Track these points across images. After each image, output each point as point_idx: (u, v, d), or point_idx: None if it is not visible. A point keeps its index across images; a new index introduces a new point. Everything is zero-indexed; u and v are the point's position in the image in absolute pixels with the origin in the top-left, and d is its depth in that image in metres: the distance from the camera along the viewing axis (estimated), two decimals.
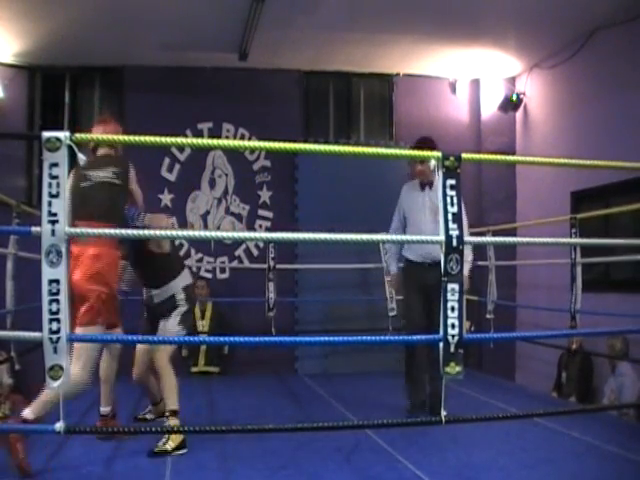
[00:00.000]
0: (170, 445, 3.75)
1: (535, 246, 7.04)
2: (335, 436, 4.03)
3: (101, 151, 3.96)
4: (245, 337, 2.78)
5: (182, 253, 7.45)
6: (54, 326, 2.15)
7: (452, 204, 2.38)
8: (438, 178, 3.63)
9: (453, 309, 2.45)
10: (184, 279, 4.18)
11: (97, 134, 3.69)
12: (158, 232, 3.33)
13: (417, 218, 4.80)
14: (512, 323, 7.48)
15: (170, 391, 3.92)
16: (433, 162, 3.89)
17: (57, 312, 2.15)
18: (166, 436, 3.77)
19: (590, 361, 6.25)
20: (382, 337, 3.08)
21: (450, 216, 2.39)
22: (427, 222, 4.72)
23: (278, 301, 6.90)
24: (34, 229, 2.26)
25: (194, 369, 6.90)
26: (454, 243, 2.39)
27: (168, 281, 4.11)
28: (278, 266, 6.93)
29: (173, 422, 3.81)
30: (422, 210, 4.78)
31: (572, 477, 3.53)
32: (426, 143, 4.69)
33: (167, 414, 3.88)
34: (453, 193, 2.38)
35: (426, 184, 4.85)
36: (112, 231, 2.74)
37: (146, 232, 3.27)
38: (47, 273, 2.18)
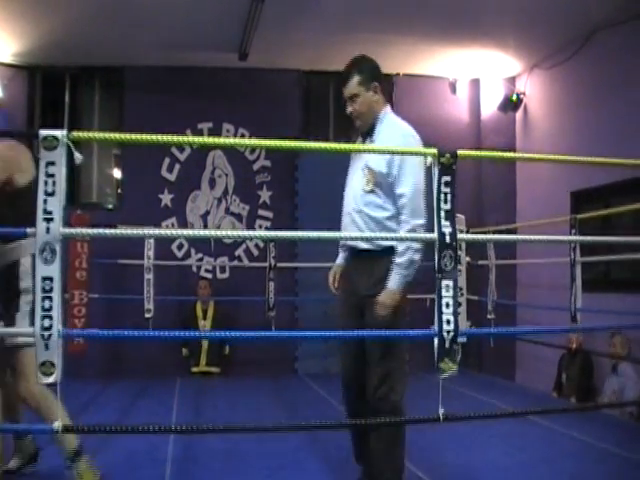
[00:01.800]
0: None
1: (535, 245, 7.05)
2: (335, 436, 4.03)
3: None
4: (244, 332, 2.78)
5: (182, 253, 7.46)
6: (46, 322, 2.16)
7: (446, 201, 2.38)
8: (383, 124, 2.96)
9: (448, 305, 2.45)
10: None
11: None
12: (157, 232, 3.32)
13: (348, 186, 3.25)
14: (512, 322, 7.47)
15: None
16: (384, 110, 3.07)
17: (50, 309, 2.16)
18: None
19: (590, 361, 6.24)
20: (379, 335, 3.08)
21: (443, 213, 2.39)
22: (349, 195, 3.20)
23: (278, 300, 6.90)
24: (29, 230, 2.27)
25: (195, 369, 6.91)
26: (447, 240, 2.39)
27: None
28: (278, 265, 6.93)
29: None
30: (353, 174, 3.20)
31: (572, 477, 3.53)
32: (353, 65, 3.22)
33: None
34: (447, 190, 2.37)
35: (363, 133, 3.20)
36: (110, 231, 2.73)
37: (148, 232, 3.26)
38: (41, 270, 2.18)
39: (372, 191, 2.99)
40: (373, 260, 3.00)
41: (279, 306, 6.93)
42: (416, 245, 2.87)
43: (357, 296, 3.07)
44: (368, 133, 3.14)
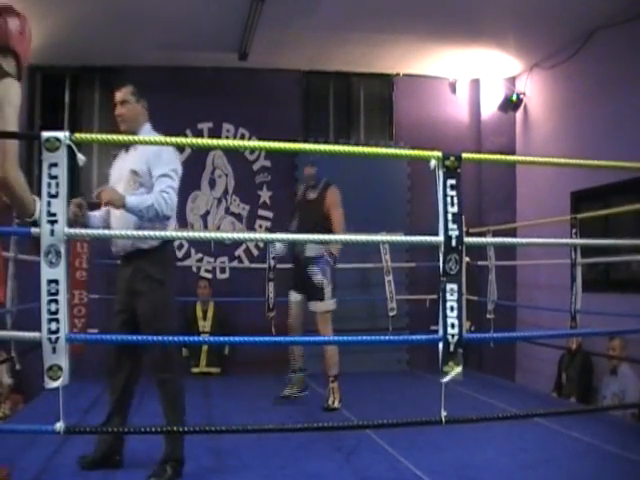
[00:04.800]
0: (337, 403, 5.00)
1: (535, 246, 7.05)
2: (335, 436, 4.03)
3: None
4: (245, 337, 2.78)
5: (182, 253, 7.46)
6: (53, 326, 2.15)
7: (452, 204, 2.38)
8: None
9: (452, 309, 2.45)
10: None
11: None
12: (157, 233, 3.31)
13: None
14: (512, 323, 7.48)
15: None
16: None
17: (56, 312, 2.15)
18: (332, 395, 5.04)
19: (590, 361, 6.25)
20: (382, 337, 3.08)
21: (450, 216, 2.39)
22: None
23: (278, 301, 6.89)
24: (33, 230, 2.26)
25: (195, 370, 6.90)
26: (453, 243, 2.39)
27: None
28: (278, 266, 6.92)
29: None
30: (118, 179, 3.55)
31: (572, 477, 3.54)
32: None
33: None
34: (453, 193, 2.38)
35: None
36: (110, 231, 2.73)
37: (148, 233, 3.25)
38: (46, 273, 2.18)
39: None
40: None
41: (279, 307, 6.92)
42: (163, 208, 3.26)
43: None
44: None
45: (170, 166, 3.39)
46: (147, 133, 3.51)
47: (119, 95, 3.54)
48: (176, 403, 3.43)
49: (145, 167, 3.39)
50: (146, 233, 2.73)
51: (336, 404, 5.12)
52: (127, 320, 3.46)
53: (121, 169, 3.53)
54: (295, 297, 5.38)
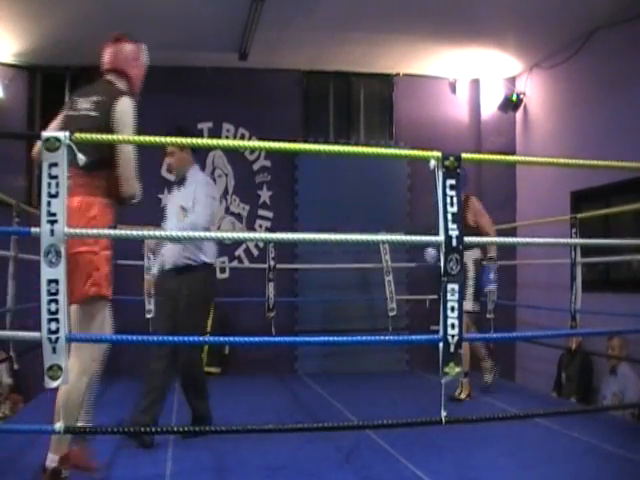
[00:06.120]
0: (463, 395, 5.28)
1: (535, 246, 7.05)
2: (335, 436, 4.03)
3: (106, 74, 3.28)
4: (245, 337, 2.78)
5: None
6: (53, 326, 2.15)
7: (452, 204, 2.38)
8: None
9: (453, 309, 2.45)
10: None
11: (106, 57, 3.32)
12: (159, 233, 3.32)
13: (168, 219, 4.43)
14: (512, 323, 7.48)
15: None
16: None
17: (56, 312, 2.15)
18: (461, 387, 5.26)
19: (590, 361, 6.25)
20: (382, 337, 3.09)
21: (450, 216, 2.39)
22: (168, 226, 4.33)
23: (278, 301, 6.90)
24: (33, 229, 2.26)
25: None
26: (454, 243, 2.39)
27: None
28: (278, 266, 6.93)
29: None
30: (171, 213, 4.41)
31: (572, 477, 3.53)
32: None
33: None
34: (453, 193, 2.38)
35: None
36: (109, 232, 2.73)
37: (148, 233, 3.26)
38: (46, 273, 2.18)
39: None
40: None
41: (279, 307, 6.92)
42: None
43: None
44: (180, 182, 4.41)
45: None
46: (195, 174, 4.38)
47: (169, 148, 4.30)
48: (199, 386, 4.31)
49: (190, 203, 4.21)
50: (146, 233, 2.74)
51: (462, 396, 5.37)
52: (170, 327, 4.15)
53: (173, 204, 4.38)
54: None
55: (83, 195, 2.83)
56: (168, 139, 2.74)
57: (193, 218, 4.14)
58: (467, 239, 2.57)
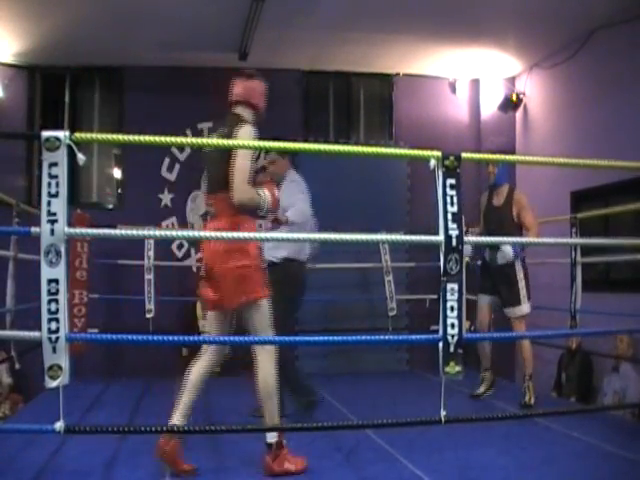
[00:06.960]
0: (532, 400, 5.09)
1: (535, 246, 7.04)
2: (335, 436, 4.03)
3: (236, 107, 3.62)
4: (244, 337, 2.78)
5: (182, 253, 7.46)
6: (53, 326, 2.15)
7: (452, 204, 2.38)
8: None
9: (452, 309, 2.45)
10: None
11: (236, 90, 3.62)
12: (157, 232, 3.32)
13: None
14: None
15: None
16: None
17: (56, 312, 2.15)
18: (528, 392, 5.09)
19: (590, 361, 6.25)
20: (382, 337, 3.09)
21: (450, 216, 2.39)
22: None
23: None
24: (33, 229, 2.26)
25: None
26: (453, 243, 2.39)
27: None
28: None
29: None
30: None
31: (572, 477, 3.53)
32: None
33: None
34: (453, 193, 2.38)
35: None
36: (110, 231, 2.73)
37: (148, 232, 3.27)
38: (46, 273, 2.18)
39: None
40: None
41: None
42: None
43: None
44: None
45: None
46: (292, 177, 4.69)
47: (270, 156, 4.66)
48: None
49: (286, 203, 4.34)
50: (145, 233, 2.73)
51: (532, 401, 5.17)
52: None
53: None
54: (485, 300, 5.55)
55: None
56: (169, 139, 2.73)
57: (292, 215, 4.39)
58: (466, 239, 2.57)
